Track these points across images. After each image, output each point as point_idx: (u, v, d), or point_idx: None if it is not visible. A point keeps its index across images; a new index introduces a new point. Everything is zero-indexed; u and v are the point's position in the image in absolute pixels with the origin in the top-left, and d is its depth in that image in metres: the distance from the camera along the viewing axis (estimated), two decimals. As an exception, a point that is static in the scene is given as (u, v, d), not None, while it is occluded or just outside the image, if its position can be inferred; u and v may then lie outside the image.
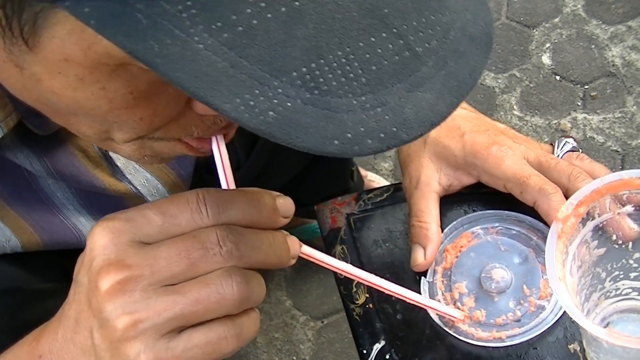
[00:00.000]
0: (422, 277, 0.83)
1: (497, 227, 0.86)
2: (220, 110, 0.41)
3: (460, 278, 0.83)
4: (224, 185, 0.59)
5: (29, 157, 0.72)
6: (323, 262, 0.65)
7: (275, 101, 0.41)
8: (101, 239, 0.53)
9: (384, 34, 0.44)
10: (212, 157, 0.60)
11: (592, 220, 0.68)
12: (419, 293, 0.82)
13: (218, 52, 0.41)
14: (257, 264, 0.55)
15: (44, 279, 0.83)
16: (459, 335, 0.78)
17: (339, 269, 0.66)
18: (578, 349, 0.76)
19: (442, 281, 0.83)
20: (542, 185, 0.79)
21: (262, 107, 0.41)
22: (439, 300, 0.82)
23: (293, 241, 0.58)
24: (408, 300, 0.74)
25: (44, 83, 0.48)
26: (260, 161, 1.08)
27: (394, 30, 0.44)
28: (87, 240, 0.54)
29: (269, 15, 0.41)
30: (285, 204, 0.57)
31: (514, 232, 0.85)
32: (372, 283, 0.69)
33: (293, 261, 0.58)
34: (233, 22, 0.40)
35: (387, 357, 0.81)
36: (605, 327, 0.74)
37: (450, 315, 0.79)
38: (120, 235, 0.53)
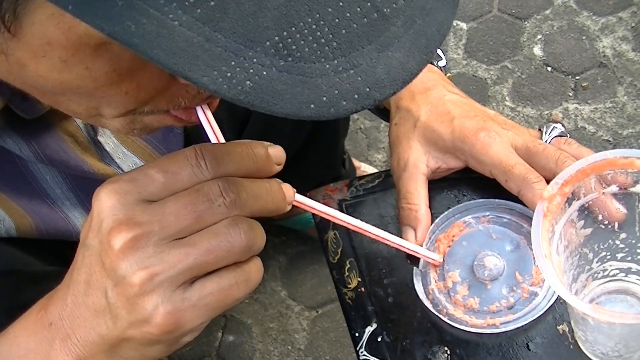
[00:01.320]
0: (415, 267, 0.84)
1: (488, 215, 0.86)
2: (199, 84, 0.42)
3: (453, 267, 0.83)
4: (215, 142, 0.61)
5: (18, 142, 0.73)
6: (314, 209, 0.68)
7: (252, 71, 0.43)
8: (108, 201, 0.55)
9: None
10: (200, 135, 0.61)
11: (577, 200, 0.69)
12: (413, 282, 0.83)
13: (193, 28, 0.42)
14: (258, 212, 0.57)
15: (43, 262, 0.84)
16: (454, 323, 0.79)
17: (328, 215, 0.70)
18: (567, 329, 0.77)
19: (436, 270, 0.84)
20: (525, 174, 0.80)
21: (239, 78, 0.43)
22: (432, 290, 0.82)
23: (287, 188, 0.60)
24: (389, 243, 0.78)
25: (29, 67, 0.50)
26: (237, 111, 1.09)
27: None
28: (92, 204, 0.56)
29: None
30: (277, 152, 0.59)
31: (505, 220, 0.86)
32: (358, 227, 0.73)
33: (289, 207, 0.60)
34: None
35: (379, 339, 0.82)
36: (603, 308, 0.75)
37: (429, 258, 0.81)
38: (126, 195, 0.55)
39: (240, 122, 1.10)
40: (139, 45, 0.41)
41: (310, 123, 1.24)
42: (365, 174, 1.82)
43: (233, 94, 0.43)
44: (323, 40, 0.44)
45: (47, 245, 0.84)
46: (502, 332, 0.78)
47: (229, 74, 0.43)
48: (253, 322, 1.80)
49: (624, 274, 0.76)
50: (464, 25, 2.21)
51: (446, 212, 0.87)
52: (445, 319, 0.79)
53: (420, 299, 0.82)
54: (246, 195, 0.56)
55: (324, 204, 0.91)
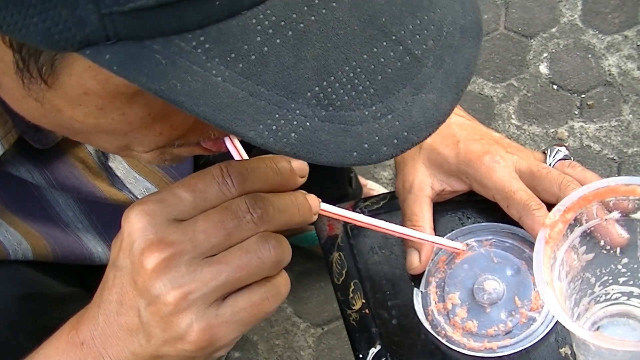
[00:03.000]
0: (416, 288, 0.85)
1: (490, 239, 0.87)
2: (246, 138, 0.44)
3: (453, 289, 0.84)
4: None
5: (30, 170, 0.73)
6: (342, 216, 0.70)
7: (295, 122, 0.44)
8: (138, 222, 0.56)
9: (384, 43, 0.46)
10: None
11: (579, 226, 0.69)
12: (413, 304, 0.84)
13: (236, 83, 0.43)
14: (286, 225, 0.58)
15: (63, 284, 0.85)
16: (451, 345, 0.80)
17: (358, 221, 0.73)
18: (569, 352, 0.78)
19: (436, 292, 0.84)
20: (527, 201, 0.81)
21: (284, 130, 0.44)
22: (432, 311, 0.83)
23: (313, 199, 0.62)
24: (416, 240, 0.81)
25: (65, 113, 0.51)
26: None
27: (393, 38, 0.46)
28: (122, 225, 0.57)
29: (278, 41, 0.43)
30: (301, 165, 0.61)
31: (508, 244, 0.86)
32: (386, 229, 0.76)
33: (315, 217, 0.62)
34: (245, 51, 0.43)
35: (383, 361, 0.82)
36: (595, 331, 0.76)
37: (453, 248, 0.83)
38: (156, 216, 0.56)
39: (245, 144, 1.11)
40: (185, 102, 0.42)
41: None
42: (371, 191, 1.84)
43: (279, 147, 0.44)
44: (361, 88, 0.45)
45: (65, 268, 0.85)
46: (501, 357, 0.78)
47: (274, 127, 0.44)
48: (259, 338, 1.80)
49: (626, 298, 0.76)
50: (470, 43, 2.22)
51: (449, 234, 0.88)
52: (444, 341, 0.80)
53: (419, 320, 0.82)
54: (273, 210, 0.57)
55: (329, 225, 0.93)
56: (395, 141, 0.46)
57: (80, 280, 0.86)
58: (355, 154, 0.46)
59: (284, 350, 1.78)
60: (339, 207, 0.69)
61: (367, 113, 0.46)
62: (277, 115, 0.44)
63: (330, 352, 1.76)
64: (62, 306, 0.80)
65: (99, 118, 0.51)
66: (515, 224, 0.84)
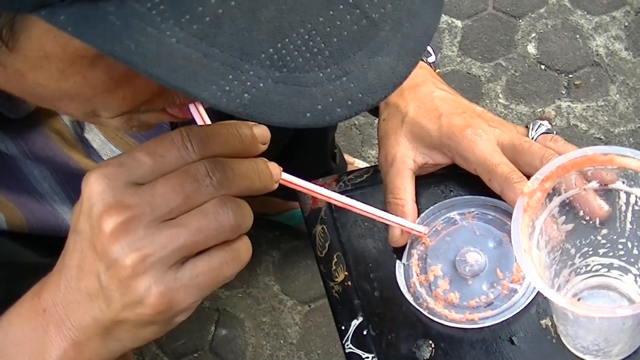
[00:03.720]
0: (398, 260, 0.85)
1: (473, 212, 0.87)
2: (199, 98, 0.44)
3: (435, 261, 0.84)
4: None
5: (4, 139, 0.73)
6: (302, 187, 0.70)
7: (249, 83, 0.44)
8: (97, 185, 0.56)
9: (341, 6, 0.46)
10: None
11: (558, 195, 0.70)
12: (395, 275, 0.85)
13: (190, 44, 0.43)
14: (245, 190, 0.58)
15: (38, 254, 0.84)
16: (433, 316, 0.80)
17: (316, 193, 0.72)
18: (549, 324, 0.78)
19: (418, 264, 0.85)
20: (508, 174, 0.81)
21: (237, 91, 0.44)
22: (414, 283, 0.84)
23: (274, 167, 0.61)
24: (375, 218, 0.80)
25: (27, 77, 0.51)
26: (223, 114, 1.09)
27: (350, 1, 0.46)
28: (82, 189, 0.57)
29: (233, 3, 0.43)
30: (262, 132, 0.60)
31: (490, 217, 0.87)
32: (344, 204, 0.76)
33: (276, 185, 0.62)
34: (200, 13, 0.43)
35: (365, 332, 0.83)
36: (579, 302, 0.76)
37: (415, 230, 0.83)
38: (115, 179, 0.56)
39: (226, 116, 1.10)
40: (139, 63, 0.42)
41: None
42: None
43: (232, 107, 0.44)
44: (316, 50, 0.45)
45: (39, 239, 0.84)
46: (482, 327, 0.79)
47: (227, 88, 0.44)
48: (246, 316, 1.81)
49: (606, 270, 0.77)
50: (458, 23, 2.22)
51: (432, 207, 0.88)
52: (426, 313, 0.81)
53: (402, 292, 0.83)
54: (233, 175, 0.57)
55: (313, 199, 0.93)
56: (350, 103, 0.47)
57: (54, 251, 0.85)
58: (308, 115, 0.46)
59: (270, 328, 1.79)
60: (305, 180, 0.69)
61: (321, 75, 0.46)
62: (230, 77, 0.44)
63: (317, 329, 1.77)
64: (36, 276, 0.80)
65: (60, 82, 0.51)
66: (498, 196, 0.85)
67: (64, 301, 0.60)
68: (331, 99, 0.46)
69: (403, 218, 0.85)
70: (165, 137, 0.57)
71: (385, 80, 0.48)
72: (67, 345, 0.60)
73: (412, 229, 0.83)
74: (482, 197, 0.88)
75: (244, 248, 0.59)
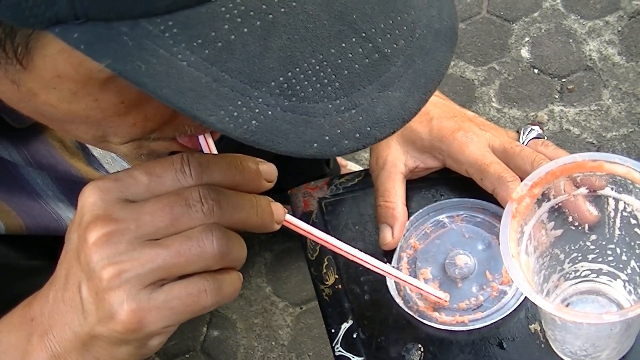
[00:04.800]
0: (388, 263, 0.85)
1: (462, 215, 0.88)
2: (207, 123, 0.43)
3: (425, 264, 0.85)
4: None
5: (7, 148, 0.73)
6: (305, 232, 0.68)
7: (257, 110, 0.44)
8: (90, 197, 0.56)
9: (353, 39, 0.46)
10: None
11: (547, 201, 0.70)
12: (385, 279, 0.84)
13: (201, 68, 0.43)
14: (239, 224, 0.57)
15: (31, 257, 0.84)
16: (423, 319, 0.81)
17: (324, 241, 0.71)
18: (538, 328, 0.79)
19: (408, 268, 0.85)
20: (501, 173, 0.81)
21: (244, 117, 0.44)
22: (404, 286, 0.84)
23: (277, 207, 0.60)
24: (393, 278, 0.79)
25: (39, 97, 0.51)
26: (231, 145, 1.10)
27: (363, 35, 0.47)
28: (78, 201, 0.57)
29: (245, 30, 0.44)
30: (268, 169, 0.59)
31: (479, 219, 0.87)
32: (354, 256, 0.74)
33: (277, 226, 0.61)
34: (212, 38, 0.43)
35: (354, 336, 0.83)
36: (567, 307, 0.77)
37: (435, 296, 0.81)
38: (108, 193, 0.55)
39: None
40: (148, 84, 0.43)
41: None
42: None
43: (239, 133, 0.44)
44: (326, 81, 0.45)
45: (34, 240, 0.84)
46: (473, 330, 0.79)
47: (235, 114, 0.44)
48: (238, 317, 1.81)
49: (595, 275, 0.77)
50: (452, 26, 2.22)
51: (421, 210, 0.88)
52: (416, 316, 0.81)
53: (391, 295, 0.83)
54: (227, 205, 0.56)
55: (304, 202, 0.94)
56: (358, 135, 0.47)
57: (49, 253, 0.85)
58: (315, 145, 0.46)
59: (262, 329, 1.79)
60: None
61: (330, 106, 0.46)
62: (239, 102, 0.44)
63: (308, 331, 1.77)
64: (29, 278, 0.80)
65: (72, 103, 0.51)
66: (487, 199, 0.85)
67: (51, 311, 0.59)
68: (339, 131, 0.46)
69: (397, 226, 0.85)
70: (166, 159, 0.57)
71: (395, 115, 0.48)
72: (46, 356, 0.60)
73: (433, 294, 0.81)
74: (471, 200, 0.88)
75: (229, 282, 0.58)
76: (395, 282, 0.84)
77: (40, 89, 0.50)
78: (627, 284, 0.75)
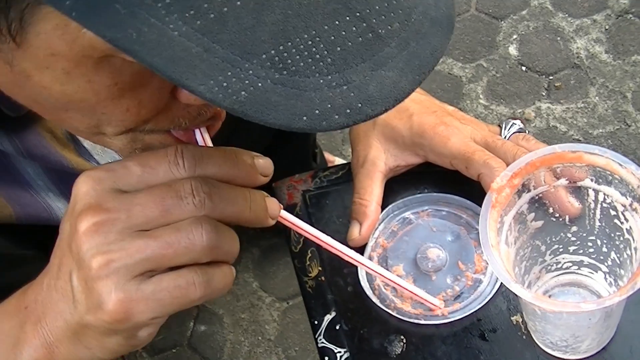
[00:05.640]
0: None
1: (427, 209, 0.88)
2: (196, 92, 0.43)
3: (396, 261, 0.85)
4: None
5: (0, 137, 0.74)
6: (300, 229, 0.68)
7: (247, 82, 0.44)
8: (83, 186, 0.56)
9: (347, 18, 0.46)
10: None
11: (527, 192, 0.70)
12: (358, 277, 0.85)
13: (192, 38, 0.43)
14: (231, 217, 0.57)
15: (21, 246, 0.84)
16: (403, 316, 0.81)
17: (319, 239, 0.70)
18: (520, 320, 0.79)
19: (378, 264, 0.85)
20: (486, 159, 0.81)
21: (234, 88, 0.44)
22: (378, 285, 0.84)
23: (272, 203, 0.60)
24: (389, 282, 0.78)
25: (33, 78, 0.51)
26: (219, 141, 1.10)
27: (357, 14, 0.47)
28: (72, 190, 0.57)
29: (239, 3, 0.43)
30: (265, 164, 0.59)
31: (444, 212, 0.88)
32: (351, 258, 0.74)
33: (272, 222, 0.60)
34: (205, 9, 0.43)
35: (337, 327, 0.83)
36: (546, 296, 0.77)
37: (429, 303, 0.80)
38: (101, 183, 0.56)
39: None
40: (139, 52, 0.42)
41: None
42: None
43: (228, 103, 0.44)
44: (318, 56, 0.45)
45: (25, 230, 0.84)
46: (455, 321, 0.80)
47: (225, 84, 0.44)
48: (225, 312, 1.81)
49: (576, 267, 0.78)
50: (441, 24, 2.23)
51: (385, 209, 0.89)
52: (394, 314, 0.81)
53: (368, 296, 0.83)
54: (219, 198, 0.56)
55: (289, 194, 0.94)
56: (348, 111, 0.47)
57: (40, 243, 0.85)
58: (305, 118, 0.46)
59: (249, 324, 1.79)
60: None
61: (321, 81, 0.46)
62: (229, 73, 0.44)
63: (295, 325, 1.77)
64: (19, 268, 0.80)
65: (65, 85, 0.51)
66: (449, 192, 0.87)
67: (45, 300, 0.59)
68: (329, 105, 0.46)
69: (366, 223, 0.86)
70: (160, 150, 0.57)
71: (387, 93, 0.48)
72: (39, 344, 0.60)
73: (427, 301, 0.80)
74: (434, 194, 0.89)
75: (220, 276, 0.58)
76: (368, 282, 0.84)
77: (33, 69, 0.50)
78: (607, 275, 0.76)
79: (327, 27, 0.46)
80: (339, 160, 1.90)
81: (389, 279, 0.78)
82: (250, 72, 0.44)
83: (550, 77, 2.07)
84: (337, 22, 0.46)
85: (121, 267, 0.54)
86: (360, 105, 0.47)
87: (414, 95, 0.88)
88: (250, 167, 0.58)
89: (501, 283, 0.80)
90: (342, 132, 2.04)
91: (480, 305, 0.80)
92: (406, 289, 0.79)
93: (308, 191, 0.94)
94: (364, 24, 0.47)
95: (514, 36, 2.18)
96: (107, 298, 0.54)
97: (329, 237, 0.71)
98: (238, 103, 0.44)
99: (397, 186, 0.91)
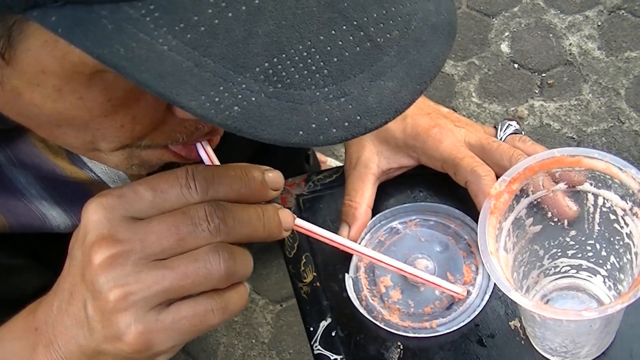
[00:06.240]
0: (346, 273, 0.85)
1: (414, 219, 0.87)
2: (187, 108, 0.42)
3: (384, 272, 0.83)
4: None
5: None
6: (318, 235, 0.68)
7: (240, 96, 0.43)
8: (95, 215, 0.55)
9: (344, 27, 0.45)
10: None
11: (526, 197, 0.70)
12: (350, 287, 0.84)
13: (182, 53, 0.42)
14: (246, 238, 0.56)
15: (13, 255, 0.84)
16: (390, 329, 0.80)
17: (337, 243, 0.70)
18: (518, 325, 0.78)
19: (366, 277, 0.84)
20: (474, 167, 0.81)
21: (226, 103, 0.43)
22: (365, 296, 0.83)
23: (286, 214, 0.60)
24: (413, 277, 0.77)
25: (24, 96, 0.50)
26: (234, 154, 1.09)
27: (354, 23, 0.45)
28: (82, 216, 0.56)
29: (230, 15, 0.42)
30: (275, 178, 0.59)
31: (432, 222, 0.87)
32: (372, 257, 0.74)
33: (286, 234, 0.60)
34: (195, 22, 0.42)
35: (333, 334, 0.82)
36: (545, 304, 0.76)
37: (452, 292, 0.79)
38: (112, 211, 0.54)
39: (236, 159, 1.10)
40: (127, 68, 0.41)
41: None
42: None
43: (220, 119, 0.43)
44: (314, 68, 0.44)
45: (15, 239, 0.84)
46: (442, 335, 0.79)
47: (216, 99, 0.42)
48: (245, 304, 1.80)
49: (575, 271, 0.77)
50: (432, 21, 2.22)
51: (373, 219, 0.87)
52: (382, 325, 0.80)
53: (354, 306, 0.82)
54: (233, 222, 0.55)
55: (282, 199, 0.93)
56: (347, 124, 0.45)
57: (31, 252, 0.84)
58: (301, 132, 0.44)
59: (242, 327, 1.79)
60: (314, 224, 0.67)
61: (318, 94, 0.45)
62: (221, 88, 0.42)
63: (288, 328, 1.76)
64: (10, 277, 0.79)
65: (57, 102, 0.50)
66: (436, 201, 0.86)
67: (55, 322, 0.59)
68: (327, 119, 0.45)
69: (355, 226, 0.85)
70: (170, 173, 0.56)
71: (387, 104, 0.47)
72: None
73: (450, 290, 0.79)
74: (422, 204, 0.88)
75: (235, 298, 0.57)
76: (355, 293, 0.83)
77: (24, 86, 0.49)
78: (607, 279, 0.75)
79: (322, 37, 0.44)
80: (331, 161, 1.89)
81: (414, 274, 0.77)
82: (243, 86, 0.43)
83: (543, 75, 2.07)
84: (333, 32, 0.45)
85: (139, 300, 0.54)
86: (359, 117, 0.46)
87: None
88: (261, 183, 0.58)
89: (491, 293, 0.80)
90: (335, 132, 2.03)
91: (470, 319, 0.79)
92: (430, 282, 0.78)
93: (302, 195, 0.94)
94: (362, 33, 0.46)
95: (506, 33, 2.17)
96: (126, 330, 0.54)
97: (347, 240, 0.71)
98: (231, 118, 0.43)
99: (391, 189, 0.90)
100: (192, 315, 0.55)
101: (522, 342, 0.77)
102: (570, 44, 2.12)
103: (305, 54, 0.44)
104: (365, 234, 0.87)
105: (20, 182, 0.79)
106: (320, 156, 1.83)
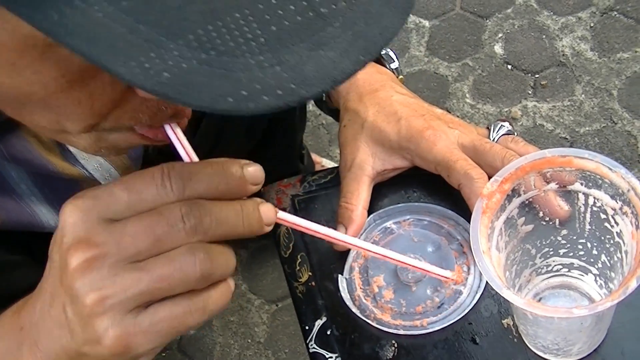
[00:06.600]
0: (340, 274, 0.86)
1: (408, 219, 0.88)
2: (116, 74, 0.42)
3: (377, 272, 0.84)
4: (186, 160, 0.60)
5: None
6: (303, 227, 0.66)
7: (170, 63, 0.42)
8: (71, 217, 0.54)
9: None
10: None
11: (518, 197, 0.70)
12: (344, 288, 0.85)
13: (117, 19, 0.41)
14: (225, 236, 0.55)
15: (7, 251, 0.84)
16: (382, 327, 0.81)
17: (322, 234, 0.69)
18: (511, 323, 0.79)
19: (359, 277, 0.85)
20: (467, 170, 0.81)
21: (156, 69, 0.42)
22: (358, 296, 0.84)
23: (267, 209, 0.58)
24: (399, 264, 0.77)
25: None
26: (205, 143, 1.09)
27: None
28: (59, 218, 0.55)
29: None
30: (254, 172, 0.57)
31: (426, 222, 0.87)
32: (358, 247, 0.74)
33: (268, 228, 0.59)
34: None
35: (328, 332, 0.83)
36: (537, 302, 0.77)
37: (441, 276, 0.79)
38: (88, 213, 0.54)
39: (195, 118, 1.10)
40: (60, 34, 0.41)
41: (267, 119, 1.24)
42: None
43: (149, 85, 0.42)
44: (250, 36, 0.43)
45: (10, 236, 0.84)
46: (432, 332, 0.80)
47: (147, 65, 0.42)
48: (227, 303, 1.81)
49: (566, 270, 0.78)
50: (426, 23, 2.23)
51: (368, 219, 0.88)
52: (374, 324, 0.81)
53: (347, 306, 0.83)
54: (210, 221, 0.54)
55: (277, 199, 0.94)
56: (280, 92, 0.44)
57: (26, 248, 0.85)
58: (230, 99, 0.43)
59: (238, 327, 1.79)
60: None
61: (252, 62, 0.44)
62: (152, 54, 0.42)
63: (284, 328, 1.77)
64: (6, 273, 0.79)
65: (12, 77, 0.50)
66: (431, 202, 0.87)
67: (38, 323, 0.59)
68: (258, 86, 0.44)
69: (352, 228, 0.85)
70: (146, 172, 0.55)
71: (325, 74, 0.45)
72: None
73: (439, 274, 0.79)
74: (416, 204, 0.89)
75: (215, 298, 0.56)
76: (348, 293, 0.84)
77: None
78: (598, 278, 0.76)
79: (261, 6, 0.44)
80: (325, 161, 1.90)
81: (404, 262, 0.76)
82: (175, 52, 0.42)
83: (536, 76, 2.08)
84: (273, 1, 0.44)
85: (116, 303, 0.53)
86: (293, 86, 0.44)
87: (401, 98, 0.89)
88: (239, 179, 0.56)
89: (482, 292, 0.81)
90: (330, 134, 2.04)
91: (459, 317, 0.80)
92: (418, 268, 0.78)
93: (297, 196, 0.94)
94: (304, 3, 0.45)
95: (500, 35, 2.18)
96: (104, 334, 0.54)
97: (332, 230, 0.70)
98: (159, 84, 0.42)
99: (385, 190, 0.91)
100: (170, 317, 0.54)
101: (515, 340, 0.78)
102: (563, 45, 2.13)
103: (242, 22, 0.43)
104: (360, 234, 0.87)
105: (12, 178, 0.79)
106: (315, 157, 1.83)
